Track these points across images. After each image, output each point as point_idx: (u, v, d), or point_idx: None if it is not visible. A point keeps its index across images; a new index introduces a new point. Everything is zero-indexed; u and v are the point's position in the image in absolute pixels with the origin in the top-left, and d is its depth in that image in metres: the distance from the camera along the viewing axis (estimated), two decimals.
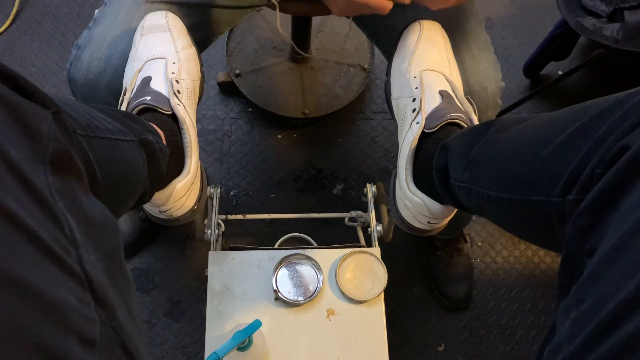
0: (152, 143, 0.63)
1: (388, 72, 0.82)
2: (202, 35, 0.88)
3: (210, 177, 1.38)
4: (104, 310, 0.32)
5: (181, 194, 0.73)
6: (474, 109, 0.74)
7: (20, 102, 0.31)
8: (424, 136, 0.71)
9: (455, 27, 0.83)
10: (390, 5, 0.66)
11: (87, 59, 0.82)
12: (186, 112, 0.74)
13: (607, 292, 0.34)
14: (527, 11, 1.63)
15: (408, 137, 0.72)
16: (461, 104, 0.73)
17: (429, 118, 0.71)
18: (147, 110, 0.71)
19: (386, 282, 0.84)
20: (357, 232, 1.05)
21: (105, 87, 0.82)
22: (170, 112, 0.72)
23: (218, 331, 0.80)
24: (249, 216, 1.07)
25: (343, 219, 1.08)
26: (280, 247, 0.94)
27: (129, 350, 0.34)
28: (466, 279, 1.27)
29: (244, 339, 0.71)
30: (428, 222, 0.74)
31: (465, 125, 0.70)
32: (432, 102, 0.73)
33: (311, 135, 1.44)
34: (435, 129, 0.70)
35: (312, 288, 0.83)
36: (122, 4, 0.84)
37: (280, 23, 0.85)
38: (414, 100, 0.74)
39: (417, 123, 0.71)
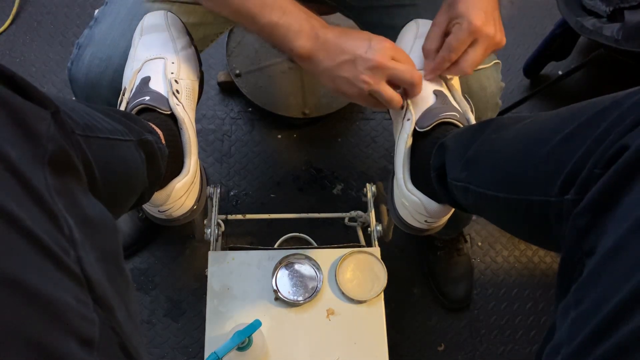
0: (151, 143, 0.63)
1: None
2: (202, 34, 0.88)
3: (210, 177, 1.38)
4: (103, 311, 0.31)
5: (180, 193, 0.73)
6: (471, 108, 0.74)
7: (19, 102, 0.31)
8: (421, 136, 0.71)
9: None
10: (400, 101, 0.72)
11: (88, 58, 0.82)
12: (185, 112, 0.73)
13: (607, 292, 0.34)
14: (527, 11, 1.63)
15: (402, 135, 0.72)
16: (458, 104, 0.73)
17: (421, 117, 0.71)
18: (146, 110, 0.71)
19: (386, 282, 0.84)
20: (357, 232, 1.05)
21: (107, 87, 0.82)
22: (169, 112, 0.72)
23: (218, 331, 0.80)
24: (249, 216, 1.07)
25: (343, 219, 1.08)
26: (280, 247, 0.94)
27: (127, 351, 0.34)
28: (466, 279, 1.27)
29: (244, 339, 0.71)
30: (425, 221, 0.74)
31: (461, 125, 0.70)
32: (425, 101, 0.72)
33: (311, 135, 1.44)
34: (429, 128, 0.70)
35: (312, 288, 0.83)
36: (123, 3, 0.84)
37: None
38: None
39: (408, 120, 0.71)
